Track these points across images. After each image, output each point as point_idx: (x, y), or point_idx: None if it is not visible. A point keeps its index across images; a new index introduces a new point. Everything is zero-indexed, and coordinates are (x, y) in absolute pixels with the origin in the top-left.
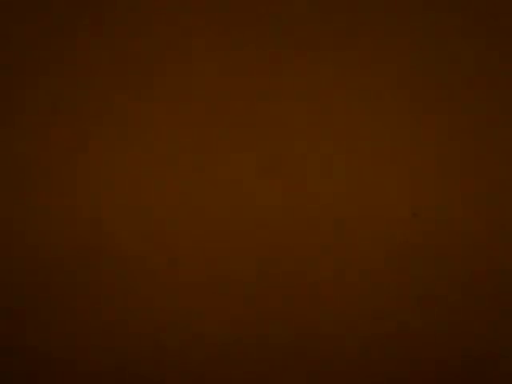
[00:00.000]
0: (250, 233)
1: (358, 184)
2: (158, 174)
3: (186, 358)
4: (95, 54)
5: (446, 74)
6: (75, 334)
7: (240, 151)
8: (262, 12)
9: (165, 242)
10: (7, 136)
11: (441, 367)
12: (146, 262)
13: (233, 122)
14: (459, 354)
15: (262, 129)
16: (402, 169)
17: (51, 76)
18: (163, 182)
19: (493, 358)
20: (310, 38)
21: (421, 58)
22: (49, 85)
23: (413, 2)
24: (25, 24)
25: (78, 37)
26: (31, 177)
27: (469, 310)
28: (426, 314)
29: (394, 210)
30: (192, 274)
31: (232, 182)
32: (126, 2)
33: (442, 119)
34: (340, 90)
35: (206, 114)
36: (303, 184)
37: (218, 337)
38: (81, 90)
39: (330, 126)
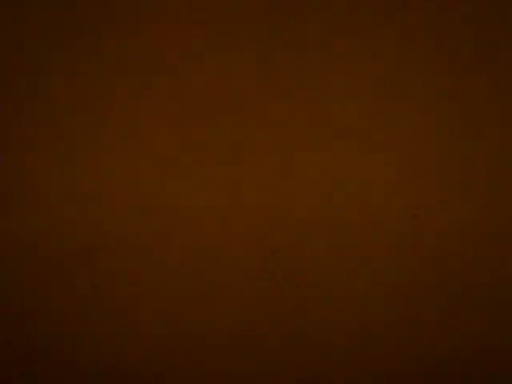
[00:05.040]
0: (252, 233)
1: (358, 184)
2: (158, 175)
3: (187, 357)
4: (95, 54)
5: (446, 72)
6: (74, 334)
7: (240, 151)
8: (262, 11)
9: (166, 242)
10: (7, 136)
11: (441, 366)
12: (147, 262)
13: (233, 122)
14: (459, 354)
15: (261, 129)
16: (402, 169)
17: (51, 77)
18: (163, 182)
19: (492, 358)
20: (311, 38)
21: (421, 56)
22: (49, 85)
23: (412, 2)
24: (25, 24)
25: (77, 37)
26: (31, 177)
27: (469, 309)
28: (426, 314)
29: (394, 210)
30: (194, 274)
31: (232, 182)
32: (127, 2)
33: (442, 118)
34: (339, 89)
35: (205, 114)
36: (302, 184)
37: (220, 337)
38: (81, 90)
39: (329, 126)
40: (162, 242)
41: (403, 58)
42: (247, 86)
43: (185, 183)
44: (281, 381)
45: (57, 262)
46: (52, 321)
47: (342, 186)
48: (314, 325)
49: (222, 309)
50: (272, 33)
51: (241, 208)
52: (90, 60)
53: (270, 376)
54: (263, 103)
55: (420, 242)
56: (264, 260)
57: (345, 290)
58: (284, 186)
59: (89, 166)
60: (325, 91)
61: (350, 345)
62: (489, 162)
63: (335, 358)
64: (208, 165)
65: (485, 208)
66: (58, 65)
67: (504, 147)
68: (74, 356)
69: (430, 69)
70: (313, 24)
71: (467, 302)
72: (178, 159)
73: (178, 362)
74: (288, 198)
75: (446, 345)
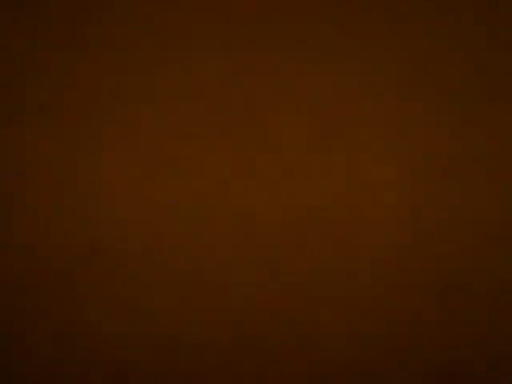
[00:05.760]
0: (252, 233)
1: (359, 184)
2: (158, 175)
3: (187, 357)
4: (95, 54)
5: (446, 74)
6: (74, 334)
7: (240, 152)
8: (263, 12)
9: (165, 242)
10: (8, 136)
11: (441, 367)
12: (147, 262)
13: (233, 123)
14: (459, 354)
15: (261, 130)
16: (402, 169)
17: (52, 77)
18: (163, 182)
19: (493, 359)
20: (310, 38)
21: (422, 58)
22: (49, 85)
23: (412, 3)
24: (26, 26)
25: (78, 38)
26: (31, 177)
27: (469, 309)
28: (427, 314)
29: (394, 210)
30: (194, 274)
31: (232, 182)
32: (127, 2)
33: (443, 120)
34: (340, 90)
35: (205, 115)
36: (303, 184)
37: (220, 337)
38: (81, 90)
39: (329, 127)
40: (162, 242)
41: (403, 59)
42: (248, 87)
43: (185, 183)
44: (281, 381)
45: (57, 262)
46: (52, 321)
47: (342, 186)
48: (314, 324)
49: (222, 309)
50: (273, 33)
51: (241, 208)
52: (91, 60)
53: (270, 376)
54: (263, 103)
55: (420, 242)
56: (264, 260)
57: (345, 290)
58: (284, 186)
59: (89, 166)
60: (325, 92)
61: (351, 344)
62: (489, 162)
63: (335, 357)
64: (208, 165)
65: (485, 208)
66: (58, 65)
67: (504, 148)
68: (74, 356)
69: (431, 69)
70: (314, 24)
71: (467, 302)
72: (177, 159)
73: (178, 362)
74: (288, 199)
75: (446, 345)
